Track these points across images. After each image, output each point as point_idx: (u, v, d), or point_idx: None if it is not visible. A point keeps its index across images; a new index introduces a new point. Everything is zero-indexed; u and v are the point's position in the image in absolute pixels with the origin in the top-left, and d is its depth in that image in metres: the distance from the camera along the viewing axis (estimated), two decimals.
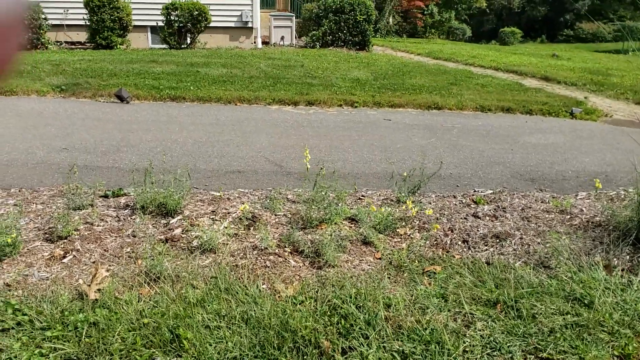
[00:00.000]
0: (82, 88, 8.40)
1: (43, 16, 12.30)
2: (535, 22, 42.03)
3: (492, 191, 4.64)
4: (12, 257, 3.13)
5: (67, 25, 13.16)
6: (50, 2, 12.78)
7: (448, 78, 10.29)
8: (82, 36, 13.15)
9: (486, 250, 3.47)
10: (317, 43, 13.98)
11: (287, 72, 10.03)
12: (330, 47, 13.92)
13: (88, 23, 12.47)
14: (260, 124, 7.02)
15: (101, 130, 6.36)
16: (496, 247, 3.49)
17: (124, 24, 12.52)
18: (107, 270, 3.06)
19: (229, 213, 3.84)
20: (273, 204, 3.94)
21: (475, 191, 4.67)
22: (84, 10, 12.40)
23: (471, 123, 7.46)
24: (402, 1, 25.23)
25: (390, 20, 24.51)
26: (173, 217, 3.71)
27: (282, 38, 14.52)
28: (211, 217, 3.78)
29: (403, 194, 4.24)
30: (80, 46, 13.12)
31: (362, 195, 4.35)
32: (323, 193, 3.83)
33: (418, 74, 10.48)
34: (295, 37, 15.08)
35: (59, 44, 13.13)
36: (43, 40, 12.41)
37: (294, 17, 15.01)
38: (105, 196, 4.10)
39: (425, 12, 27.81)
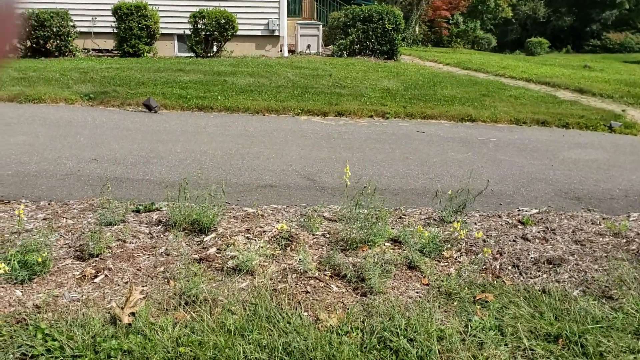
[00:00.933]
0: (110, 96, 8.34)
1: (71, 24, 12.33)
2: (561, 32, 41.47)
3: (537, 210, 4.41)
4: (42, 276, 2.99)
5: (95, 33, 13.19)
6: (78, 10, 12.82)
7: (480, 89, 10.05)
8: (110, 44, 13.17)
9: (539, 276, 3.25)
10: (345, 52, 13.83)
11: (315, 82, 9.88)
12: (358, 56, 13.76)
13: (116, 31, 12.49)
14: (289, 135, 6.87)
15: (130, 140, 6.26)
16: (550, 274, 3.27)
17: (152, 32, 12.50)
18: (141, 292, 2.91)
19: (264, 231, 3.67)
20: (310, 223, 3.76)
21: (519, 210, 4.44)
22: (112, 18, 12.41)
23: (507, 136, 7.22)
24: (428, 10, 25.01)
25: (417, 29, 24.30)
26: (207, 235, 3.56)
27: (309, 47, 14.40)
28: (246, 235, 3.61)
29: (446, 213, 4.03)
30: (107, 54, 13.14)
31: (403, 214, 4.15)
32: (365, 211, 3.64)
33: (449, 85, 10.26)
34: (322, 46, 14.94)
35: (86, 51, 13.17)
36: (71, 47, 12.44)
37: (321, 26, 14.88)
38: (137, 211, 3.96)
39: (450, 22, 27.55)
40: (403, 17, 15.16)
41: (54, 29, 11.91)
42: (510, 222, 4.08)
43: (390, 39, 13.81)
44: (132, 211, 3.94)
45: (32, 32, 11.86)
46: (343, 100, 8.70)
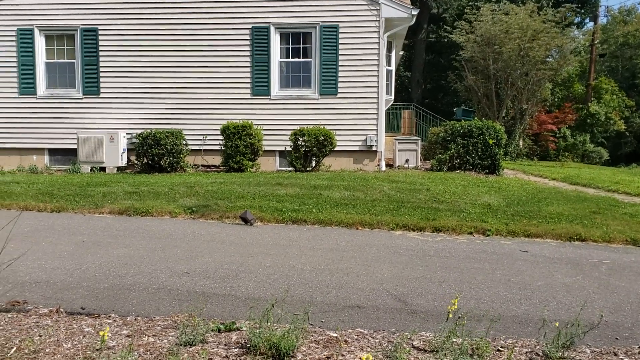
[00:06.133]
0: (210, 210, 8.65)
1: (184, 142, 13.29)
2: None
3: None
4: None
5: (205, 150, 14.10)
6: (191, 130, 13.87)
7: (589, 206, 9.39)
8: (217, 160, 13.97)
9: None
10: (444, 166, 13.70)
11: (411, 196, 9.73)
12: (458, 171, 13.55)
13: (223, 148, 13.27)
14: (382, 251, 6.66)
15: (223, 253, 6.33)
16: None
17: (255, 149, 13.15)
18: None
19: None
20: (397, 353, 3.45)
21: None
22: (220, 137, 13.25)
23: (622, 259, 6.55)
24: (533, 124, 24.60)
25: (521, 143, 23.83)
26: None
27: (407, 161, 14.45)
28: None
29: (551, 347, 3.57)
30: (214, 169, 13.91)
31: (502, 347, 3.73)
32: (459, 341, 3.29)
33: (555, 201, 9.69)
34: (421, 160, 14.94)
35: (196, 167, 14.03)
36: (182, 164, 13.31)
37: (419, 141, 14.98)
38: (218, 330, 3.86)
39: (557, 135, 26.83)
40: (505, 131, 14.96)
41: (168, 147, 12.85)
42: None
43: (492, 153, 13.55)
44: (213, 330, 3.84)
45: (149, 150, 12.87)
46: (440, 215, 8.43)
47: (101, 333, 3.26)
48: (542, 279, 5.57)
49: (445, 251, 6.73)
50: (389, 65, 15.14)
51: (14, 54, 14.41)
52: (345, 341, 3.73)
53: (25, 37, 14.32)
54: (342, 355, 3.47)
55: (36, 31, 14.34)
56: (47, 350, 3.40)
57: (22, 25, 14.29)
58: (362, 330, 4.05)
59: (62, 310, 4.28)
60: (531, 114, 23.54)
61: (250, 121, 13.23)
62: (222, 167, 13.76)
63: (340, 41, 13.61)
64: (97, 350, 3.41)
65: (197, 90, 14.10)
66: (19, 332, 3.73)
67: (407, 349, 3.59)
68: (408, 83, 33.94)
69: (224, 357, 3.40)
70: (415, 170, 14.05)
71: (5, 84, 14.49)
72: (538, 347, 3.74)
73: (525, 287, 5.28)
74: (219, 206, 8.85)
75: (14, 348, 3.38)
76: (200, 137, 14.02)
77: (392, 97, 16.29)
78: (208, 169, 13.96)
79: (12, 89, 14.50)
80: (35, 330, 3.77)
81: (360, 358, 3.36)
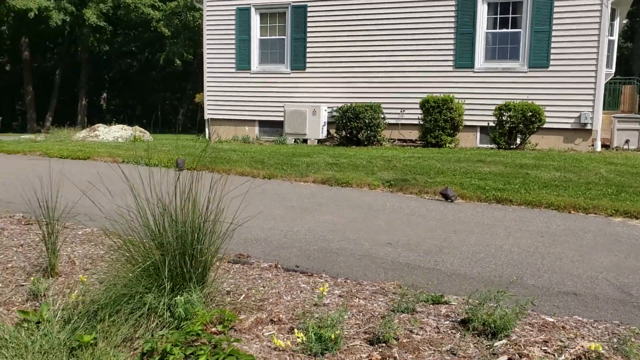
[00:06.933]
0: (409, 184, 8.66)
1: (382, 116, 13.48)
2: None
3: None
4: (333, 353, 3.05)
5: (401, 124, 14.15)
6: (389, 104, 14.01)
7: None
8: (414, 134, 13.95)
9: None
10: None
11: (634, 180, 8.72)
12: None
13: (421, 122, 13.19)
14: (599, 237, 6.08)
15: (424, 227, 6.31)
16: None
17: (455, 124, 12.84)
18: None
19: (565, 347, 3.17)
20: (626, 346, 3.12)
21: None
22: (419, 111, 13.18)
23: None
24: None
25: None
26: (498, 340, 3.23)
27: (627, 142, 12.97)
28: (542, 347, 3.17)
29: None
30: (410, 144, 13.91)
31: None
32: None
33: None
34: None
35: (392, 141, 14.18)
36: (379, 137, 13.54)
37: None
38: (425, 301, 3.86)
39: None
40: None
41: (366, 121, 13.15)
42: None
43: None
44: (421, 301, 3.85)
45: (348, 124, 13.31)
46: None
47: (320, 289, 3.46)
48: None
49: None
50: (611, 35, 13.63)
51: (233, 31, 15.81)
52: (563, 327, 3.48)
53: (243, 16, 15.62)
54: (561, 341, 3.23)
55: (252, 10, 15.55)
56: (271, 300, 3.70)
57: (241, 4, 15.59)
58: (580, 319, 3.74)
59: (279, 266, 4.63)
60: None
61: (450, 95, 12.94)
62: (418, 142, 13.72)
63: (555, 9, 12.58)
64: (315, 305, 3.63)
65: (396, 64, 14.17)
66: (245, 281, 4.12)
67: (638, 344, 3.23)
68: (628, 55, 30.32)
69: (434, 327, 3.39)
70: (637, 152, 12.57)
71: (225, 60, 16.00)
72: None
73: None
74: (418, 181, 8.83)
75: (243, 295, 3.74)
76: (398, 111, 14.10)
77: (613, 70, 14.69)
78: (404, 144, 14.02)
79: (230, 65, 15.98)
80: (259, 281, 4.14)
81: (582, 346, 3.10)
